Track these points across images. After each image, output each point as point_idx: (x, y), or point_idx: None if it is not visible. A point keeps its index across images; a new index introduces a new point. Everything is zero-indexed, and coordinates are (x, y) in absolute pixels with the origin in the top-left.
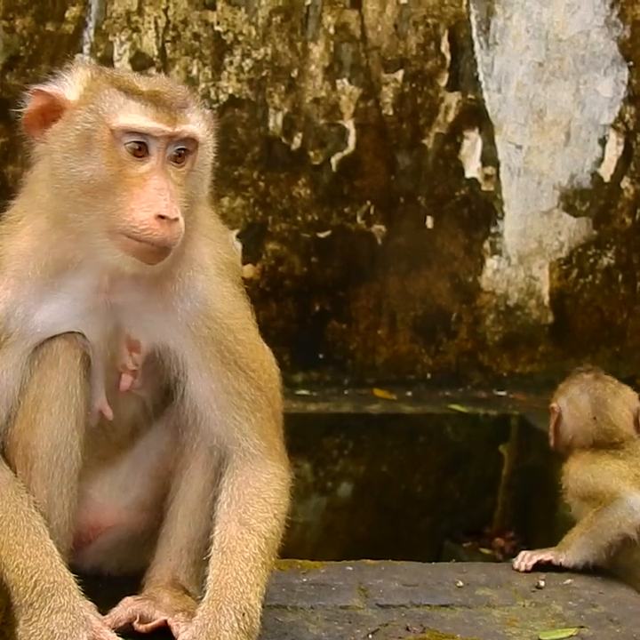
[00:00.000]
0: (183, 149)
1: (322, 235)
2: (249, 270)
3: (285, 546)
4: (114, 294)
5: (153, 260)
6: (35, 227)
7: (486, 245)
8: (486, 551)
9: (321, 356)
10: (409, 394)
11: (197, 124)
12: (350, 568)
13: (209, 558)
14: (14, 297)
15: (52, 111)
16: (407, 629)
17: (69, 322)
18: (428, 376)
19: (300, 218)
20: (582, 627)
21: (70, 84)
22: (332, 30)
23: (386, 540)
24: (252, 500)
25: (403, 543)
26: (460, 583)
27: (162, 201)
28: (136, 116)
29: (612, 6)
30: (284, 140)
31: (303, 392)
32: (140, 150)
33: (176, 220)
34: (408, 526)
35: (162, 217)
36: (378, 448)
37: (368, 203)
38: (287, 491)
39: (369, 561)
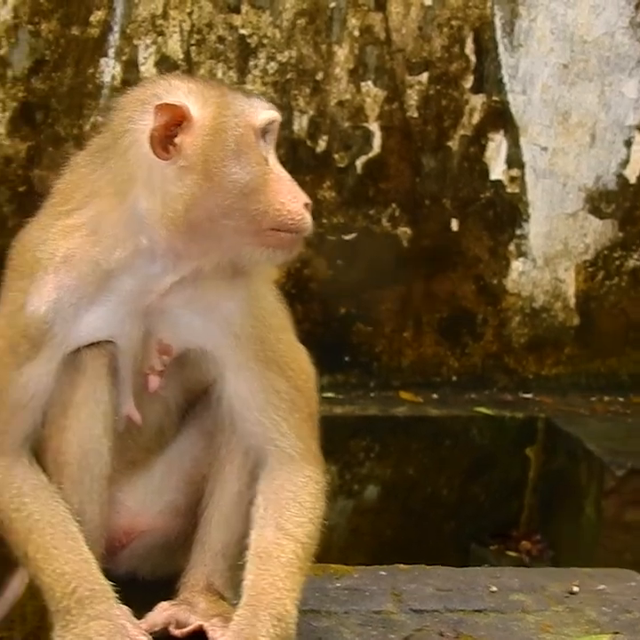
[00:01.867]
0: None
1: (347, 237)
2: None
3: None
4: (158, 297)
5: (298, 249)
6: (107, 230)
7: (512, 247)
8: (513, 554)
9: (346, 358)
10: (435, 396)
11: None
12: (383, 573)
13: (244, 563)
14: (66, 298)
15: (174, 125)
16: (441, 635)
17: (109, 327)
18: (454, 378)
19: (325, 220)
20: (617, 632)
21: (187, 96)
22: (356, 33)
23: (412, 543)
24: (289, 505)
25: (429, 546)
26: (494, 588)
27: (298, 188)
28: (267, 111)
29: (637, 7)
30: (308, 142)
31: (329, 395)
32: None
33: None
34: (434, 529)
35: (306, 204)
36: (404, 451)
37: (393, 205)
38: (323, 494)
39: (402, 566)
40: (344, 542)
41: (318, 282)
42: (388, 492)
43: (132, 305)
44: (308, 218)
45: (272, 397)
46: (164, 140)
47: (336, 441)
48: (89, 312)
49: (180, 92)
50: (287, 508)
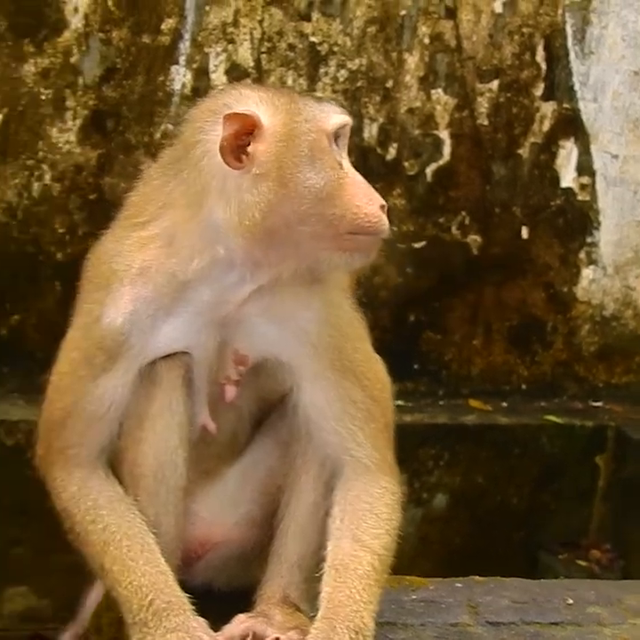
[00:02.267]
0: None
1: (417, 245)
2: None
3: None
4: (234, 308)
5: (375, 252)
6: (182, 241)
7: (582, 255)
8: (582, 563)
9: (416, 366)
10: (504, 405)
11: None
12: (459, 585)
13: (320, 575)
14: (142, 309)
15: (246, 134)
16: None
17: (186, 337)
18: (523, 387)
19: (395, 228)
20: None
21: (257, 105)
22: (427, 40)
23: (480, 552)
24: (365, 516)
25: (497, 555)
26: (570, 601)
27: (373, 191)
28: (337, 115)
29: None
30: (379, 150)
31: (398, 403)
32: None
33: (383, 207)
34: (503, 538)
35: (382, 206)
36: (473, 459)
37: (463, 213)
38: (399, 505)
39: (478, 577)
40: (413, 551)
41: (388, 289)
42: (457, 500)
43: (209, 315)
44: (384, 220)
45: (348, 407)
46: (236, 150)
47: (405, 449)
48: (166, 323)
49: (251, 101)
50: (364, 519)
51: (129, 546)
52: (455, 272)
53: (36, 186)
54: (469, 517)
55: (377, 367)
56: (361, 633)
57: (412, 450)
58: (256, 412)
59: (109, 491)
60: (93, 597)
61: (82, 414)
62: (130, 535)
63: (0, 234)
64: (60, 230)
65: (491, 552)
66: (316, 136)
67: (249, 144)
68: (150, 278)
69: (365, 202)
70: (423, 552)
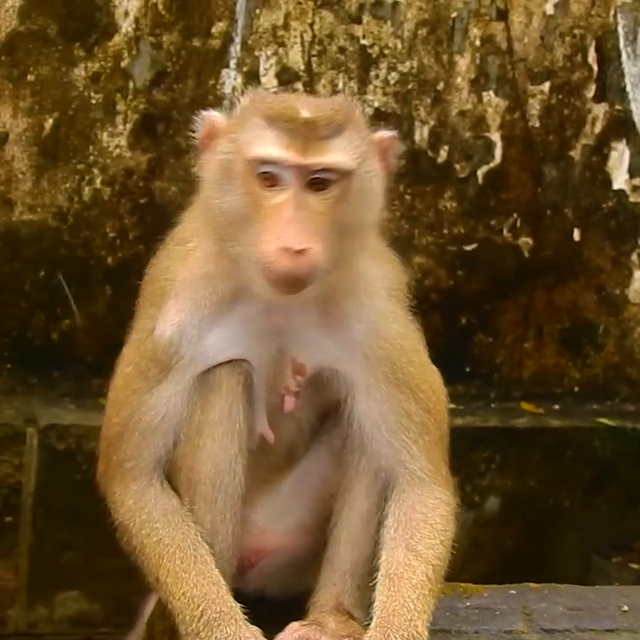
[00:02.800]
0: (324, 178)
1: (468, 248)
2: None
3: None
4: (283, 318)
5: (288, 291)
6: (205, 251)
7: (634, 257)
8: (635, 566)
9: (467, 369)
10: (556, 407)
11: (343, 152)
12: (513, 592)
13: (373, 583)
14: (189, 320)
15: (212, 138)
16: None
17: (238, 346)
18: (575, 389)
19: (446, 231)
20: None
21: (231, 112)
22: (477, 42)
23: (532, 555)
24: (419, 526)
25: (550, 558)
26: (625, 608)
27: (287, 233)
28: (270, 147)
29: None
30: (429, 153)
31: (450, 406)
32: (273, 180)
33: (303, 251)
34: (555, 541)
35: (287, 249)
36: (525, 462)
37: (514, 215)
38: (453, 517)
39: (532, 584)
40: (465, 554)
41: (439, 292)
42: (509, 503)
43: (257, 325)
44: (280, 262)
45: (403, 419)
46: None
47: (457, 452)
48: (213, 333)
49: (234, 109)
50: (418, 529)
51: (182, 558)
52: (506, 274)
53: (86, 190)
54: (521, 520)
55: (432, 379)
56: None
57: (464, 453)
58: (315, 423)
59: (165, 503)
60: (150, 606)
61: (138, 426)
62: (183, 547)
63: (51, 238)
64: (111, 234)
65: (543, 555)
66: (233, 157)
67: None
68: (194, 290)
69: (269, 239)
70: (475, 556)
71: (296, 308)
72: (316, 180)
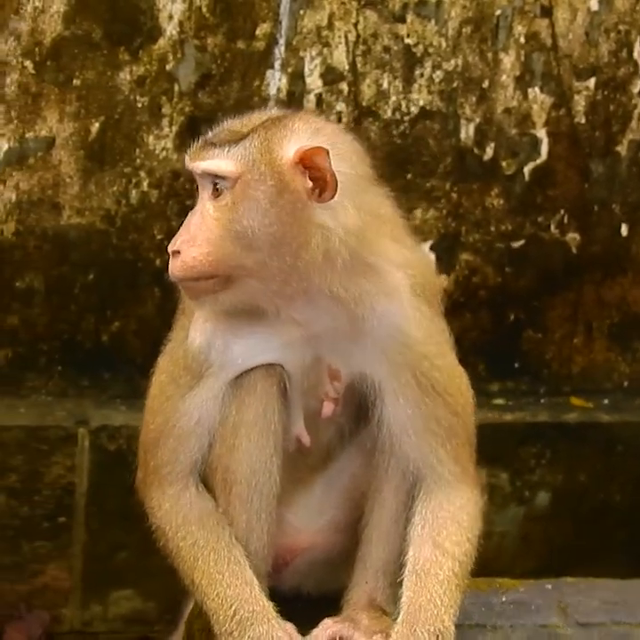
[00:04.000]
0: (216, 184)
1: (515, 244)
2: (443, 281)
3: (482, 557)
4: (309, 326)
5: (190, 295)
6: None
7: None
8: None
9: (516, 365)
10: (606, 402)
11: (228, 159)
12: (549, 586)
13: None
14: (214, 329)
15: None
16: None
17: (268, 354)
18: (625, 384)
19: (493, 228)
20: None
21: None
22: (522, 39)
23: (583, 550)
24: (446, 524)
25: (600, 554)
26: None
27: (180, 233)
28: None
29: None
30: (475, 150)
31: (499, 402)
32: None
33: (176, 253)
34: (606, 536)
35: (174, 252)
36: (575, 457)
37: (561, 211)
38: (480, 515)
39: (568, 579)
40: (514, 549)
41: (487, 289)
42: (560, 498)
43: (284, 334)
44: (172, 266)
45: (430, 423)
46: None
47: (506, 448)
48: (240, 342)
49: None
50: (445, 526)
51: (216, 560)
52: (554, 271)
53: (133, 193)
54: (571, 516)
55: (459, 382)
56: (442, 636)
57: (514, 448)
58: (353, 426)
59: (200, 506)
60: (190, 605)
61: (173, 431)
62: (217, 549)
63: (99, 241)
64: (159, 236)
65: (593, 551)
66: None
67: None
68: (221, 300)
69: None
70: (525, 551)
71: (323, 316)
72: (216, 188)
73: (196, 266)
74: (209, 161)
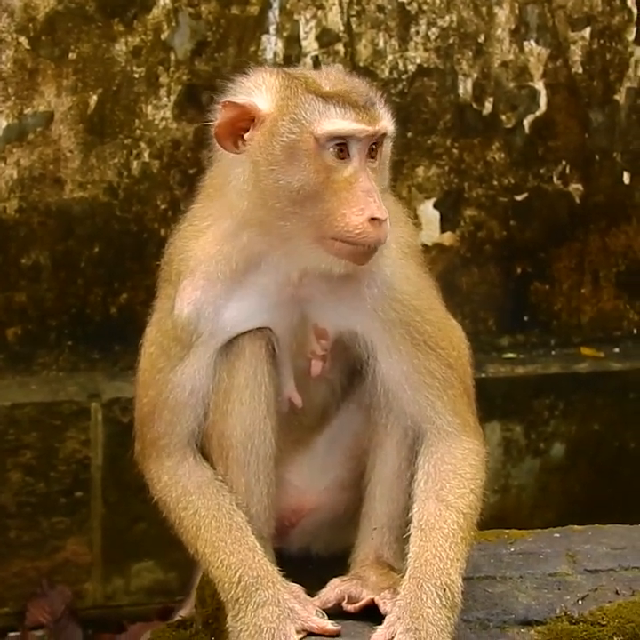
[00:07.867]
0: (375, 145)
1: (519, 197)
2: (449, 238)
3: (502, 511)
4: (300, 288)
5: (364, 261)
6: (221, 229)
7: None
8: None
9: (526, 318)
10: (616, 350)
11: (388, 117)
12: (557, 535)
13: (408, 535)
14: (204, 297)
15: (243, 121)
16: (616, 593)
17: (257, 318)
18: (635, 331)
19: (496, 182)
20: None
21: (260, 93)
22: None
23: (601, 500)
24: (449, 477)
25: (619, 502)
26: None
27: (372, 203)
28: (338, 121)
29: None
30: (474, 105)
31: (510, 355)
32: (343, 153)
33: (386, 219)
34: (624, 484)
35: (374, 219)
36: (588, 407)
37: (563, 162)
38: (483, 465)
39: (576, 527)
40: (533, 502)
41: (493, 244)
42: (575, 449)
43: (275, 296)
44: (370, 233)
45: (425, 377)
46: (234, 136)
47: (519, 401)
48: (229, 307)
49: (258, 89)
50: (447, 479)
51: (218, 527)
52: (559, 222)
53: (135, 164)
54: (588, 465)
55: (451, 334)
56: (448, 589)
57: (527, 401)
58: (346, 383)
59: (199, 475)
60: (200, 571)
61: (167, 403)
62: (218, 516)
63: (103, 214)
64: (162, 206)
65: (612, 500)
66: (299, 137)
67: (248, 130)
68: (208, 268)
69: (353, 211)
70: (543, 502)
71: (314, 278)
72: (372, 149)
73: (388, 231)
74: (385, 121)
